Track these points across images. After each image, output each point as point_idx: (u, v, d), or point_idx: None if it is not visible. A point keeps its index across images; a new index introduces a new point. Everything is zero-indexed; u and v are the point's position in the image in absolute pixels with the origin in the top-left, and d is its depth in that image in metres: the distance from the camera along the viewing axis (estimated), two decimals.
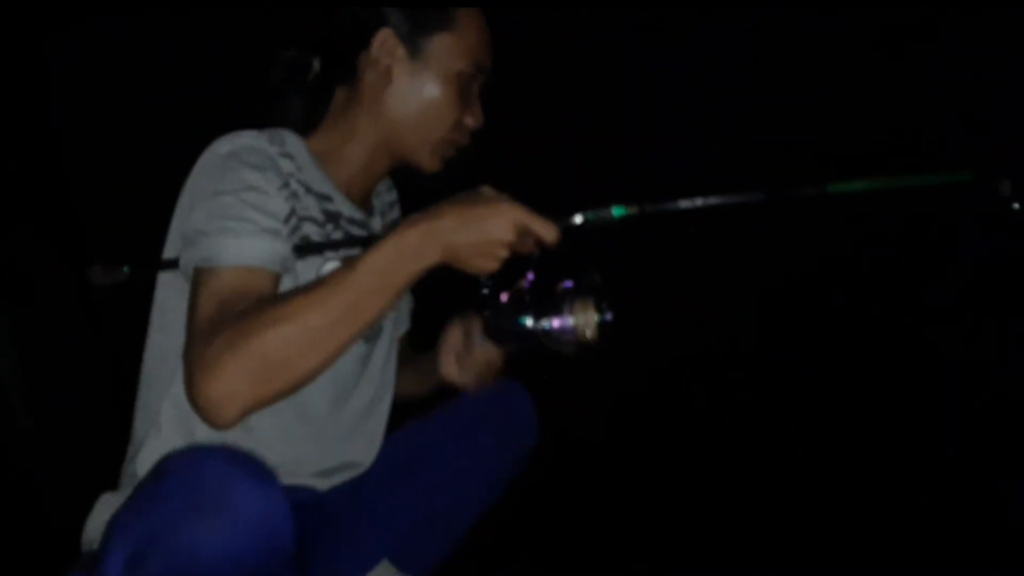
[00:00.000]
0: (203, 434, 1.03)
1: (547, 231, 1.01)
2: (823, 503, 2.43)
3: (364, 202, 1.28)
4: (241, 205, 1.02)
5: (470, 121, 1.22)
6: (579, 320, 1.13)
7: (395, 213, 1.41)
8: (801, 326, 3.20)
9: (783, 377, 3.03)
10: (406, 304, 1.47)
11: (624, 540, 2.35)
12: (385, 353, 1.32)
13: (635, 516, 2.47)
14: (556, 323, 1.13)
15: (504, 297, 1.14)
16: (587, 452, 2.72)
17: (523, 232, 1.00)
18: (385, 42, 1.17)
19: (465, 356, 1.32)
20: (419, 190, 1.23)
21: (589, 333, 1.13)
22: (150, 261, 1.16)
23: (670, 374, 3.13)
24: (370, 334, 1.27)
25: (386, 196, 1.40)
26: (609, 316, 1.14)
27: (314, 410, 1.19)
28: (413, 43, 1.17)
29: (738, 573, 2.17)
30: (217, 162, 1.07)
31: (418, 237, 0.96)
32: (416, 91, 1.18)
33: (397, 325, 1.42)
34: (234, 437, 1.02)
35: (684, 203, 1.06)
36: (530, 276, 1.12)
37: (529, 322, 1.14)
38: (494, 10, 1.23)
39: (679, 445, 2.84)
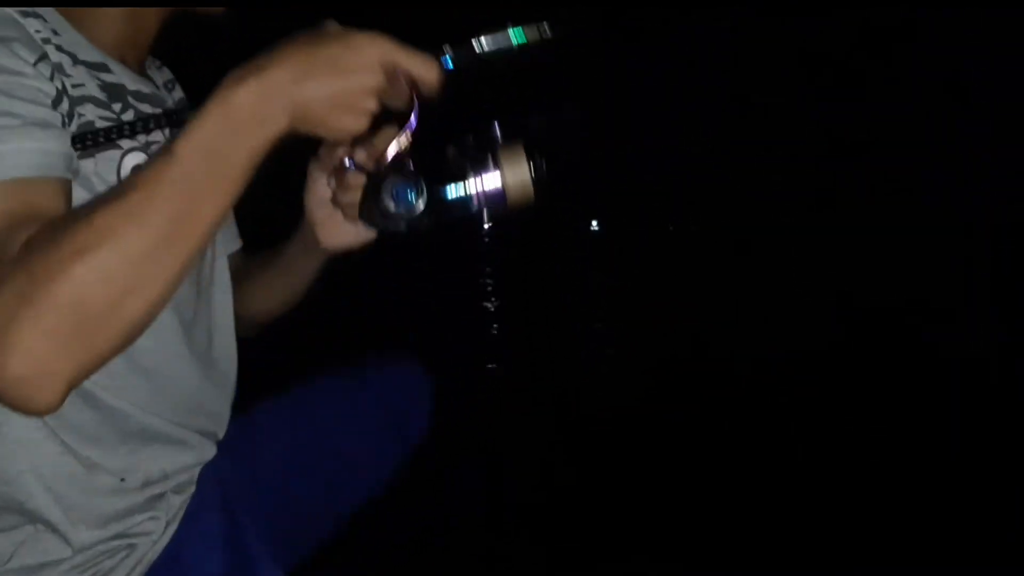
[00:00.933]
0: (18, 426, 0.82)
1: (426, 68, 0.77)
2: (824, 504, 2.34)
3: (142, 73, 1.00)
4: (2, 97, 0.74)
5: None
6: (510, 178, 0.84)
7: (178, 92, 1.13)
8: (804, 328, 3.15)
9: (784, 376, 2.95)
10: (228, 219, 1.21)
11: (625, 537, 2.23)
12: (211, 264, 1.07)
13: (638, 512, 2.35)
14: (478, 186, 0.85)
15: (389, 160, 0.85)
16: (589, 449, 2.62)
17: (393, 73, 0.76)
18: None
19: (342, 200, 1.01)
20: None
21: (524, 193, 0.85)
22: None
23: (672, 373, 3.04)
24: None
25: (160, 74, 1.10)
26: (541, 171, 0.86)
27: (156, 359, 0.93)
28: None
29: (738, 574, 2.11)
30: None
31: (253, 97, 0.70)
32: None
33: (225, 240, 1.17)
34: (75, 412, 0.82)
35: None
36: (406, 135, 0.83)
37: (421, 193, 0.85)
38: None
39: (681, 445, 2.72)
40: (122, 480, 0.91)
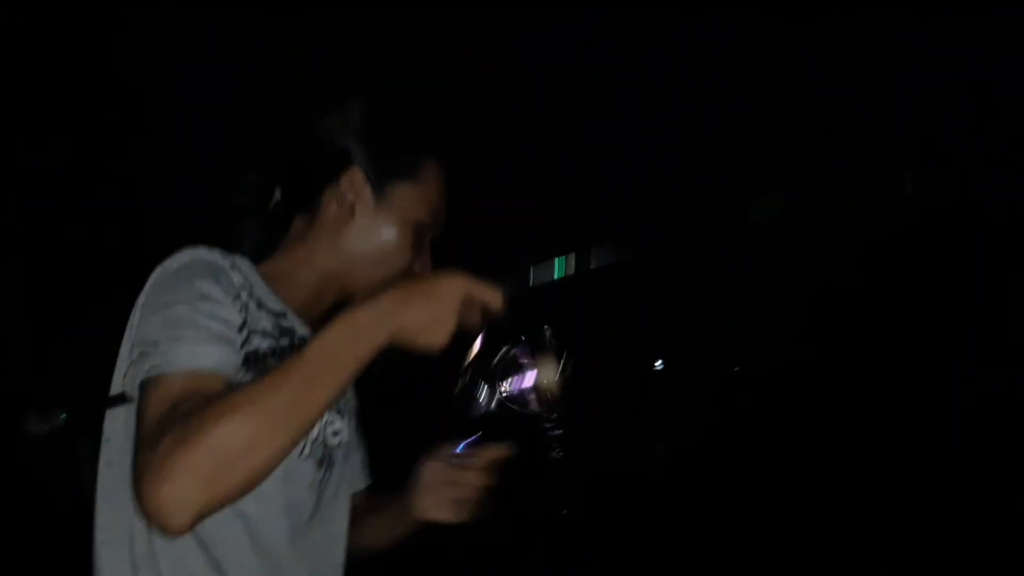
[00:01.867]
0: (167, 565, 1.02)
1: (493, 297, 1.02)
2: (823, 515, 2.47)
3: (312, 326, 1.26)
4: (193, 313, 1.00)
5: (418, 268, 1.25)
6: (543, 376, 1.13)
7: None
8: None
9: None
10: (357, 458, 1.44)
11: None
12: (336, 485, 1.28)
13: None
14: (521, 383, 1.14)
15: (466, 376, 1.14)
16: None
17: (469, 301, 1.01)
18: (354, 181, 1.20)
19: (446, 490, 1.31)
20: None
21: (555, 387, 1.13)
22: (91, 402, 1.12)
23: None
24: (322, 457, 1.22)
25: None
26: (569, 368, 1.14)
27: (273, 543, 1.13)
28: (379, 186, 1.20)
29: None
30: (169, 275, 1.07)
31: (366, 317, 0.96)
32: (375, 231, 1.21)
33: (352, 478, 1.39)
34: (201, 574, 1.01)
35: (623, 257, 1.11)
36: (479, 344, 1.12)
37: (494, 391, 1.14)
38: None
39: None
40: None
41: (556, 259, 0.98)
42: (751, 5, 2.80)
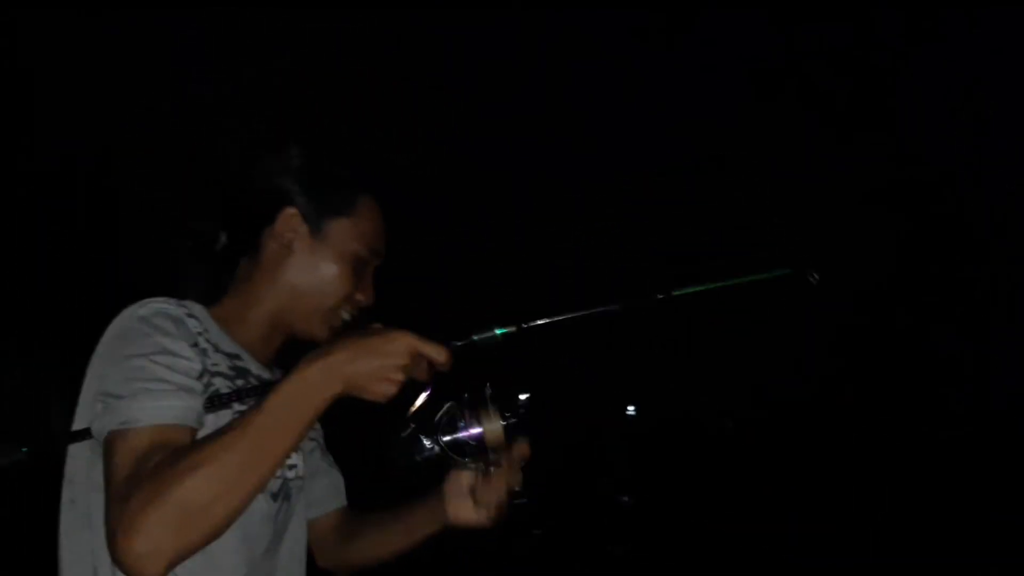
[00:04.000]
0: None
1: (439, 353, 1.07)
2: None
3: (267, 365, 1.32)
4: (154, 367, 1.05)
5: (361, 298, 1.29)
6: (487, 428, 1.19)
7: None
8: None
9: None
10: (327, 479, 1.48)
11: None
12: (292, 516, 1.31)
13: None
14: (464, 435, 1.19)
15: (411, 423, 1.19)
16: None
17: (416, 356, 1.05)
18: (290, 220, 1.25)
19: (479, 496, 1.34)
20: None
21: (497, 439, 1.19)
22: (51, 437, 1.16)
23: None
24: (277, 490, 1.25)
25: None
26: (512, 420, 1.20)
27: (232, 574, 1.18)
28: (315, 223, 1.25)
29: None
30: (128, 327, 1.10)
31: (318, 371, 1.01)
32: (314, 266, 1.26)
33: (320, 501, 1.44)
34: None
35: (557, 318, 1.15)
36: (424, 397, 1.18)
37: (439, 441, 1.20)
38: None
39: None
40: None
41: (498, 330, 1.04)
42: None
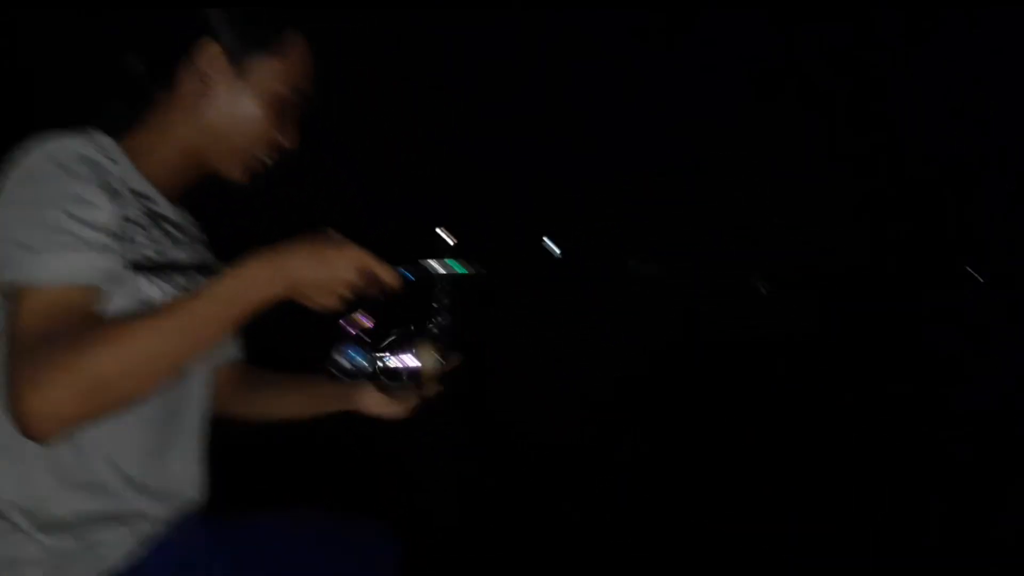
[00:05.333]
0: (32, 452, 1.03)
1: (389, 276, 1.05)
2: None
3: (175, 202, 1.26)
4: (67, 219, 0.99)
5: (284, 142, 1.24)
6: (426, 364, 1.18)
7: (204, 236, 1.39)
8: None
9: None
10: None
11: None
12: (198, 377, 1.27)
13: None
14: (402, 366, 1.18)
15: (350, 333, 1.17)
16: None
17: (366, 275, 1.04)
18: (210, 54, 1.18)
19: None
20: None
21: (432, 375, 1.18)
22: None
23: None
24: None
25: (193, 225, 1.36)
26: (449, 362, 1.19)
27: (129, 447, 1.13)
28: (237, 59, 1.18)
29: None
30: (40, 169, 1.02)
31: (266, 270, 0.99)
32: (232, 104, 1.19)
33: (214, 354, 1.37)
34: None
35: (523, 262, 1.15)
36: (363, 318, 1.16)
37: (375, 362, 1.19)
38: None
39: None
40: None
41: (451, 260, 1.02)
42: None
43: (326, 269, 1.00)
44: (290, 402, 1.43)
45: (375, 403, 1.34)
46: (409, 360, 1.18)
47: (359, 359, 1.18)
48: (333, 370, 1.20)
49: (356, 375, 1.19)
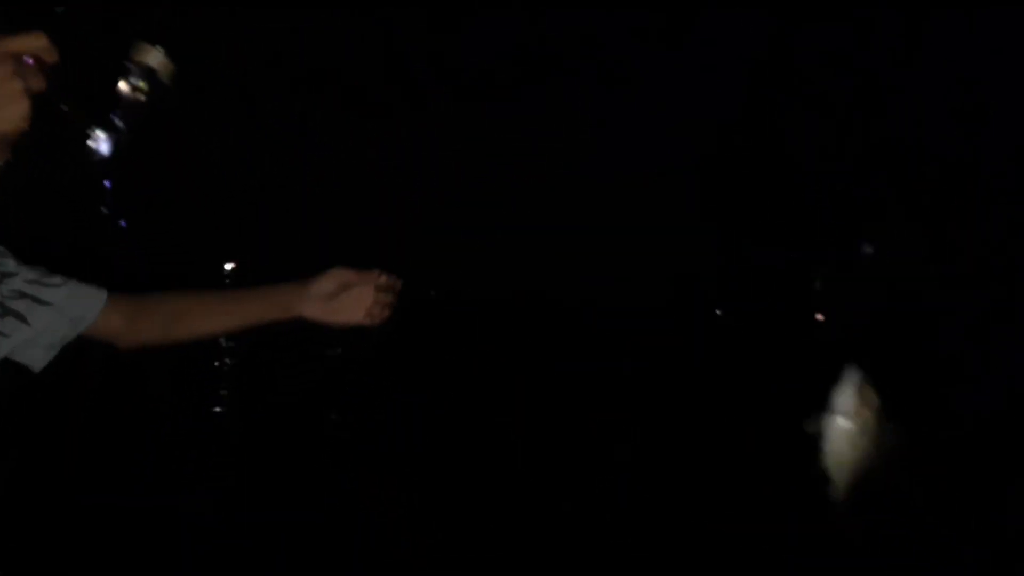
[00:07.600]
0: None
1: (33, 41, 0.82)
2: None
3: None
4: None
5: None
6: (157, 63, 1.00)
7: None
8: None
9: None
10: (64, 292, 1.31)
11: None
12: None
13: None
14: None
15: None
16: None
17: (14, 56, 0.80)
18: None
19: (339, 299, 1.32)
20: None
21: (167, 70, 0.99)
22: None
23: None
24: None
25: None
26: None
27: None
28: None
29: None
30: None
31: None
32: None
33: (80, 317, 1.31)
34: None
35: None
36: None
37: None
38: None
39: None
40: None
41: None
42: None
43: None
44: (219, 318, 1.39)
45: (345, 313, 1.32)
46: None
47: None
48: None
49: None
